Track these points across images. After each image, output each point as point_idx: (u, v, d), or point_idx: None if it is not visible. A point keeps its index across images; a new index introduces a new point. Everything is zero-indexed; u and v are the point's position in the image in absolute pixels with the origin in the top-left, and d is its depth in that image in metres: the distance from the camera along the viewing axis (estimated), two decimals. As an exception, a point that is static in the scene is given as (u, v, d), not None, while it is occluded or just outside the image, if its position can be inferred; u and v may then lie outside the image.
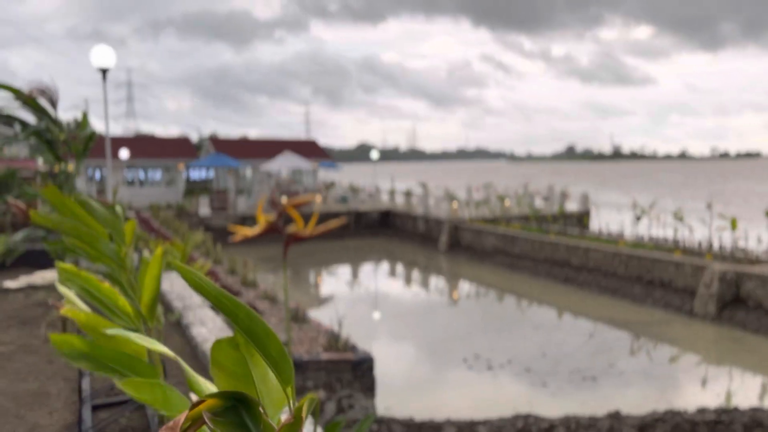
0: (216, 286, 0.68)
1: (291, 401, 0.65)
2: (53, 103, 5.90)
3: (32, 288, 7.99)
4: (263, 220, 1.84)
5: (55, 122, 5.93)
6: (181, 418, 0.62)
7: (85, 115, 6.58)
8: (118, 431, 3.30)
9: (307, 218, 25.50)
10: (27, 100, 5.57)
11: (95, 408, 3.45)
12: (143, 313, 1.27)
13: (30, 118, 6.05)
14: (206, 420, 0.62)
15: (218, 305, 0.66)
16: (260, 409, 0.63)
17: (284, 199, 28.77)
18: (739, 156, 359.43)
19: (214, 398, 0.62)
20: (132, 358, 0.84)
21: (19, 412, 3.76)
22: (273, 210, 1.85)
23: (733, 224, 16.25)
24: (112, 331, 0.83)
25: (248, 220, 28.13)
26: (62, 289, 1.08)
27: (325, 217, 30.30)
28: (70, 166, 6.59)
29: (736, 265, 14.82)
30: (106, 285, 1.13)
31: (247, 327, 0.64)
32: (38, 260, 8.84)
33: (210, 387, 0.77)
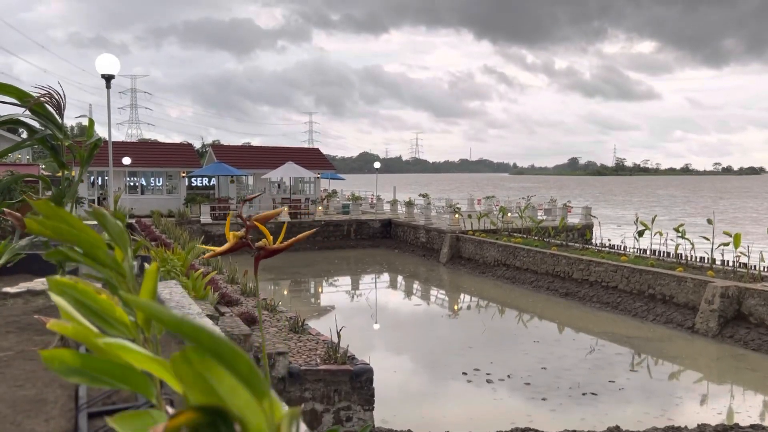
0: (174, 313, 0.68)
1: (270, 415, 0.65)
2: (59, 109, 5.92)
3: (32, 294, 7.98)
4: (232, 236, 1.83)
5: (60, 128, 5.95)
6: (158, 429, 0.61)
7: (91, 122, 6.60)
8: (114, 440, 3.28)
9: (301, 223, 25.52)
10: (34, 105, 5.59)
11: (92, 416, 3.44)
12: (140, 323, 1.26)
13: (32, 122, 6.06)
14: None
15: (179, 332, 0.66)
16: (236, 426, 0.63)
17: (285, 208, 28.75)
18: (742, 171, 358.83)
19: (192, 411, 0.62)
20: (126, 368, 0.83)
21: (16, 418, 3.75)
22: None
23: (737, 241, 16.22)
24: (107, 340, 0.82)
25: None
26: (55, 298, 1.07)
27: (326, 227, 30.31)
28: (73, 173, 6.60)
29: (738, 282, 14.77)
30: (103, 296, 1.12)
31: (212, 349, 0.65)
32: (38, 266, 8.82)
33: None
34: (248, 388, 0.63)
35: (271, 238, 1.82)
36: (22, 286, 8.13)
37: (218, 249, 1.85)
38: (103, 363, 0.79)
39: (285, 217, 27.96)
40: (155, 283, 1.08)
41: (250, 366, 0.63)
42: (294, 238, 1.85)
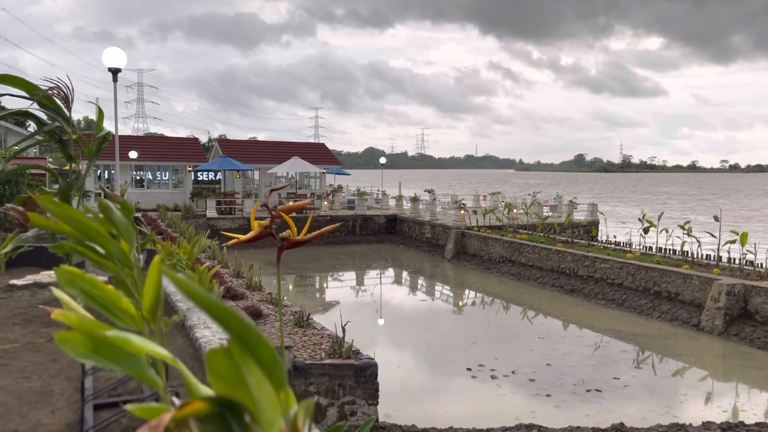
0: (208, 294, 0.68)
1: (285, 406, 0.65)
2: (67, 102, 5.94)
3: (38, 286, 8.02)
4: (257, 225, 1.83)
5: (69, 121, 5.97)
6: (165, 418, 0.61)
7: (101, 113, 6.62)
8: (120, 431, 3.30)
9: (303, 222, 25.47)
10: (42, 98, 5.60)
11: (97, 407, 3.46)
12: (145, 315, 1.26)
13: (40, 115, 6.08)
14: (191, 426, 0.61)
15: (210, 313, 0.66)
16: (245, 418, 0.63)
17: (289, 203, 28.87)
18: (750, 169, 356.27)
19: (201, 402, 0.62)
20: (134, 357, 0.84)
21: (22, 410, 3.77)
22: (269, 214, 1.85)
23: (743, 239, 16.14)
24: (110, 332, 0.83)
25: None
26: (57, 293, 1.08)
27: (331, 222, 30.33)
28: (81, 166, 6.62)
29: (745, 280, 14.71)
30: (110, 287, 1.13)
31: (239, 334, 0.65)
32: (45, 258, 8.87)
33: (209, 392, 0.77)
34: (269, 377, 0.63)
35: (296, 229, 1.82)
36: (29, 279, 8.17)
37: (242, 237, 1.85)
38: (113, 349, 0.80)
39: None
40: (160, 272, 1.08)
41: (274, 355, 0.64)
42: (318, 231, 1.85)
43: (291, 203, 2.10)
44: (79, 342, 0.83)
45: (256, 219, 1.98)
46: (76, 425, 3.45)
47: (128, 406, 0.74)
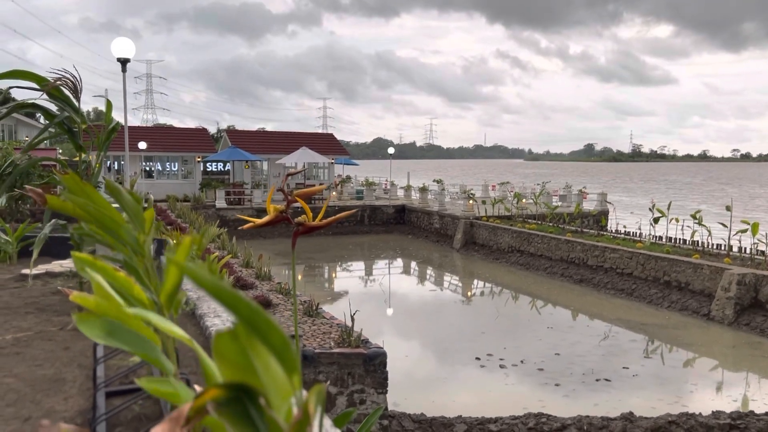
0: (217, 280, 0.68)
1: (297, 391, 0.65)
2: (76, 93, 5.96)
3: (50, 276, 8.08)
4: (272, 209, 1.82)
5: (78, 111, 5.99)
6: (186, 408, 0.62)
7: (109, 104, 6.65)
8: (132, 418, 3.34)
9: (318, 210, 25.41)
10: (51, 89, 5.62)
11: (109, 395, 3.49)
12: (162, 301, 1.27)
13: (49, 106, 6.11)
14: (210, 411, 0.62)
15: (219, 299, 0.66)
16: (261, 400, 0.63)
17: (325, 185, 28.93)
18: (761, 158, 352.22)
19: (218, 388, 0.62)
20: (147, 342, 0.84)
21: (36, 397, 3.82)
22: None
23: (755, 229, 16.01)
24: (132, 310, 0.83)
25: (264, 213, 28.24)
26: (91, 274, 1.09)
27: (340, 212, 30.37)
28: (90, 157, 6.65)
29: (756, 269, 14.61)
30: (121, 274, 1.14)
31: (248, 319, 0.65)
32: (56, 249, 8.94)
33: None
34: (280, 361, 0.64)
35: (311, 214, 1.82)
36: (41, 268, 8.24)
37: (258, 221, 1.85)
38: (128, 333, 0.81)
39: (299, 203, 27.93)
40: (187, 256, 1.09)
41: (284, 339, 0.64)
42: (334, 217, 1.85)
43: (320, 186, 2.10)
44: (97, 324, 0.85)
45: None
46: (88, 412, 3.49)
47: (139, 380, 0.74)
